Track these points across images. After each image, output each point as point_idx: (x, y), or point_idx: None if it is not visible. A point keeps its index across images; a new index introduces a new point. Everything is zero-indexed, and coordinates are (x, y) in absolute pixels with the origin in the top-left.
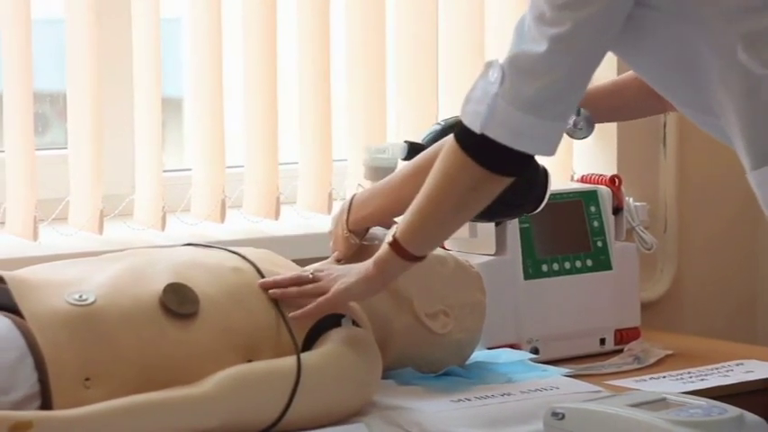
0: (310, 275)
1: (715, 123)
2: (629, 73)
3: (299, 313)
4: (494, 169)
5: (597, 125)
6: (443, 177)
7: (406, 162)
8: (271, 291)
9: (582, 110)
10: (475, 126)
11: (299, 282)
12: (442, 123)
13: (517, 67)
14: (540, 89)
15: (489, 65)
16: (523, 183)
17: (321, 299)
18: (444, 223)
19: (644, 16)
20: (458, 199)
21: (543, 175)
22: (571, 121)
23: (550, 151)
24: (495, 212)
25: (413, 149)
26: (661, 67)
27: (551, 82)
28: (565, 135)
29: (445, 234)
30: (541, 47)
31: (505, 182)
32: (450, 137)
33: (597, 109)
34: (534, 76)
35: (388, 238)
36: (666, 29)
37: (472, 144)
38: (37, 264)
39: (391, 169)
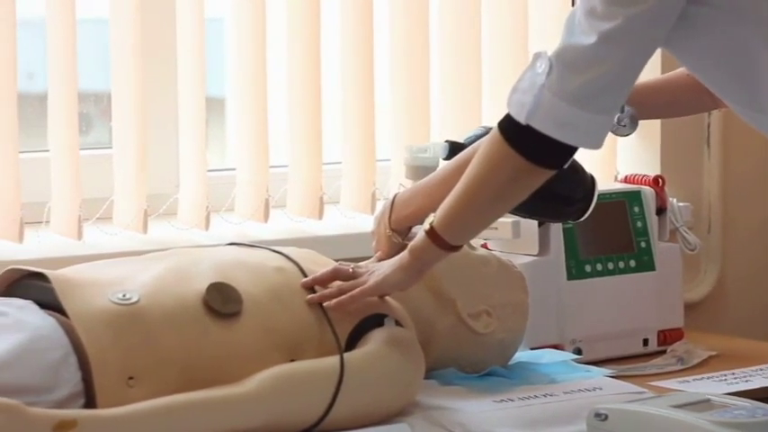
0: (350, 270)
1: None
2: (680, 69)
3: (335, 302)
4: (536, 160)
5: (642, 125)
6: (484, 166)
7: (448, 161)
8: (309, 297)
9: (627, 107)
10: (520, 116)
11: (337, 275)
12: (486, 127)
13: (565, 59)
14: (586, 82)
15: (537, 56)
16: (572, 188)
17: (358, 289)
18: (482, 213)
19: (698, 14)
20: (497, 189)
21: (591, 182)
22: (615, 118)
23: (596, 144)
24: (542, 213)
25: (454, 149)
26: (714, 64)
27: (598, 76)
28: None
29: (482, 224)
30: (590, 40)
31: (546, 174)
32: (494, 127)
33: (646, 105)
34: (581, 70)
35: (425, 226)
36: (722, 27)
37: (516, 134)
38: (81, 263)
39: (432, 169)
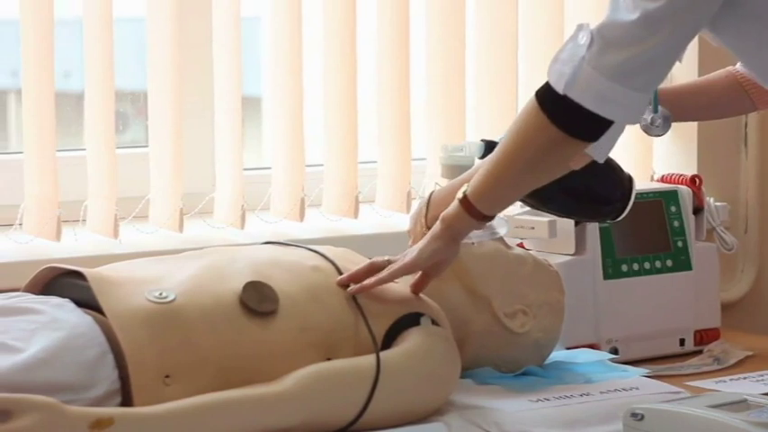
0: (386, 259)
1: None
2: (719, 71)
3: (375, 280)
4: (571, 132)
5: (679, 125)
6: (520, 136)
7: (483, 160)
8: (349, 289)
9: (661, 107)
10: (558, 86)
11: (373, 269)
12: None
13: (606, 34)
14: (627, 59)
15: (580, 27)
16: (610, 188)
17: (396, 265)
18: (515, 183)
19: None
20: (531, 159)
21: (628, 182)
22: (649, 118)
23: (631, 119)
24: (579, 213)
25: (489, 148)
26: (757, 46)
27: (639, 53)
28: (642, 132)
29: (515, 195)
30: (633, 17)
31: (579, 147)
32: (532, 96)
33: (685, 108)
34: (622, 46)
35: (459, 195)
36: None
37: (552, 103)
38: (117, 261)
39: (468, 168)
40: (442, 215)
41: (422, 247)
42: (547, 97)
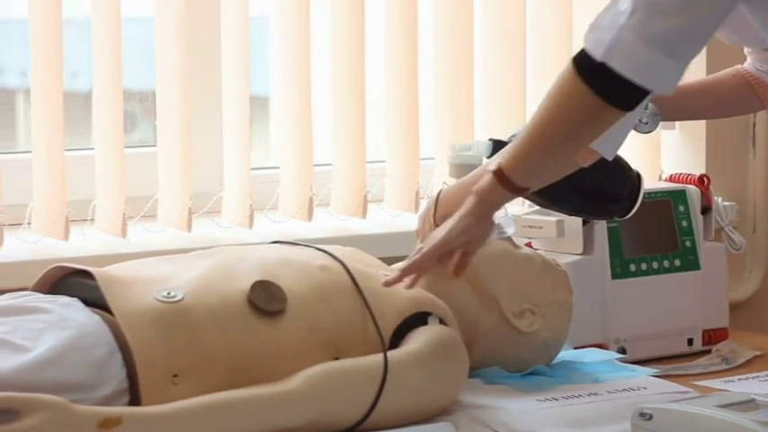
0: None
1: None
2: (726, 70)
3: (407, 264)
4: (609, 100)
5: (687, 124)
6: (555, 102)
7: (491, 159)
8: (383, 280)
9: (650, 104)
10: (597, 52)
11: (411, 270)
12: None
13: (650, 2)
14: (670, 27)
15: None
16: (619, 185)
17: (428, 245)
18: (550, 152)
19: None
20: (568, 126)
21: (637, 179)
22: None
23: (669, 88)
24: (587, 210)
25: (497, 147)
26: None
27: (684, 22)
28: (638, 134)
29: (551, 165)
30: None
31: (617, 115)
32: (569, 62)
33: (691, 107)
34: (667, 14)
35: (492, 167)
36: None
37: (590, 70)
38: (126, 261)
39: (476, 167)
40: (474, 188)
41: (452, 224)
42: (584, 63)
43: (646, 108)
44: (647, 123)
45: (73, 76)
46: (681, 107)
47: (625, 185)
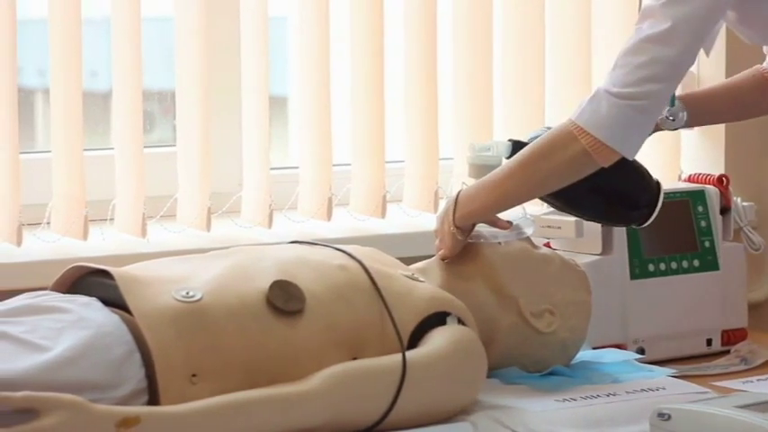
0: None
1: None
2: (745, 71)
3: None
4: None
5: (705, 126)
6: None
7: (510, 159)
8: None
9: (677, 101)
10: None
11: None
12: (549, 128)
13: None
14: None
15: None
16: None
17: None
18: None
19: None
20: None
21: (656, 188)
22: (666, 112)
23: None
24: (606, 217)
25: (517, 148)
26: None
27: None
28: (669, 132)
29: None
30: None
31: None
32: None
33: (714, 111)
34: None
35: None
36: None
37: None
38: (145, 260)
39: (495, 167)
40: None
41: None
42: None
43: (672, 105)
44: (674, 120)
45: (92, 76)
46: (704, 112)
47: (644, 193)
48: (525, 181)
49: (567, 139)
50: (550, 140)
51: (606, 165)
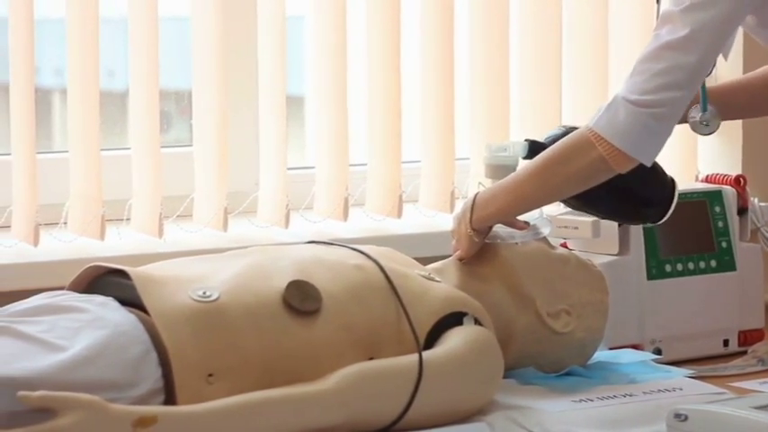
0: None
1: None
2: (761, 68)
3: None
4: None
5: (723, 124)
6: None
7: (529, 160)
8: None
9: (710, 106)
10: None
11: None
12: (566, 127)
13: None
14: None
15: None
16: (653, 191)
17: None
18: None
19: None
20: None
21: (671, 185)
22: (698, 117)
23: None
24: (621, 215)
25: (534, 148)
26: None
27: None
28: (687, 133)
29: None
30: None
31: None
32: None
33: (729, 105)
34: None
35: None
36: None
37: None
38: (161, 260)
39: (512, 167)
40: None
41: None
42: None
43: (705, 110)
44: (707, 125)
45: (109, 76)
46: (719, 106)
47: (659, 190)
48: (542, 185)
49: (584, 145)
50: (568, 146)
51: (623, 171)
